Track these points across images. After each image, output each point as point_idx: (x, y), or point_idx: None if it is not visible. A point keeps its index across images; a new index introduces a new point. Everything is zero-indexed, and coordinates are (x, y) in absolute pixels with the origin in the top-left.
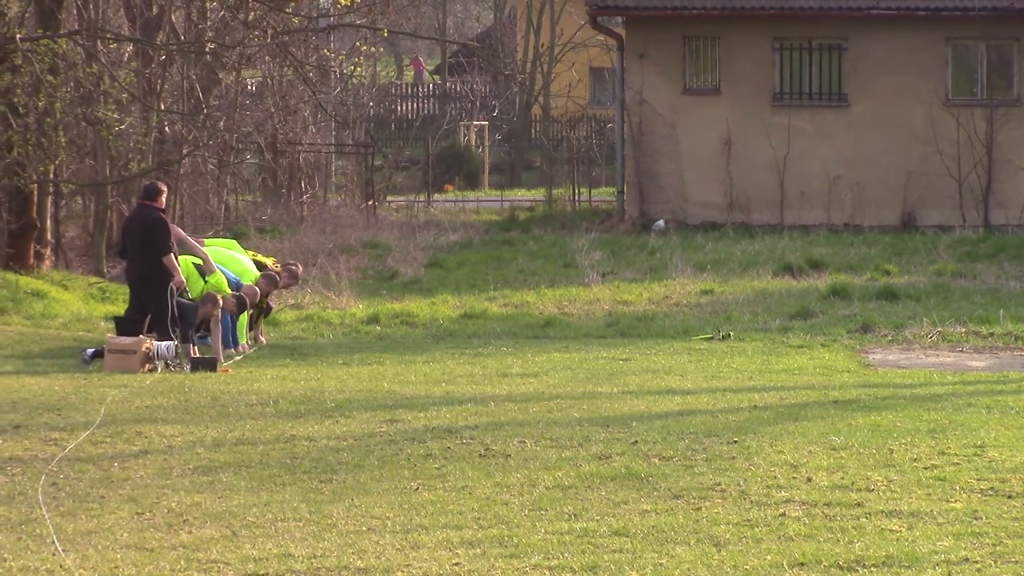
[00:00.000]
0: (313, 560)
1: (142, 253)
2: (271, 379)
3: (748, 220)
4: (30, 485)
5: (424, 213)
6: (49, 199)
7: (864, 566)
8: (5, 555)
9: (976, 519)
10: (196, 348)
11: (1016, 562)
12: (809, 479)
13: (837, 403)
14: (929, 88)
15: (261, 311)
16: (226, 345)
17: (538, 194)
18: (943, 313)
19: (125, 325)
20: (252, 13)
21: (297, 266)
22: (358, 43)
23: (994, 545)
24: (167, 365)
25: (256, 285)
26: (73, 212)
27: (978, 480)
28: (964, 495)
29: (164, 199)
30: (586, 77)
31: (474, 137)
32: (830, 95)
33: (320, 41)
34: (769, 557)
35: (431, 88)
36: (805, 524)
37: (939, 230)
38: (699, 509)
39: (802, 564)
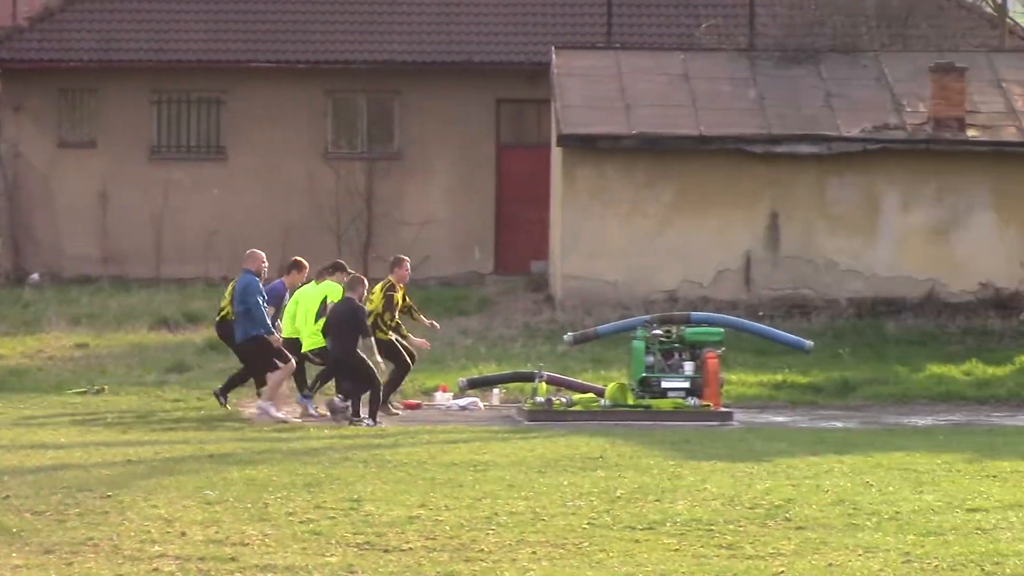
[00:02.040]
0: None
1: None
2: None
3: (124, 273)
4: None
5: None
6: None
7: None
8: None
9: (352, 573)
10: None
11: None
12: (183, 533)
13: (213, 457)
14: (309, 141)
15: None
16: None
17: None
18: None
19: None
20: None
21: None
22: None
23: None
24: None
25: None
26: None
27: (354, 534)
28: (340, 549)
29: None
30: None
31: None
32: (208, 148)
33: None
34: None
35: None
36: None
37: None
38: (71, 564)
39: None
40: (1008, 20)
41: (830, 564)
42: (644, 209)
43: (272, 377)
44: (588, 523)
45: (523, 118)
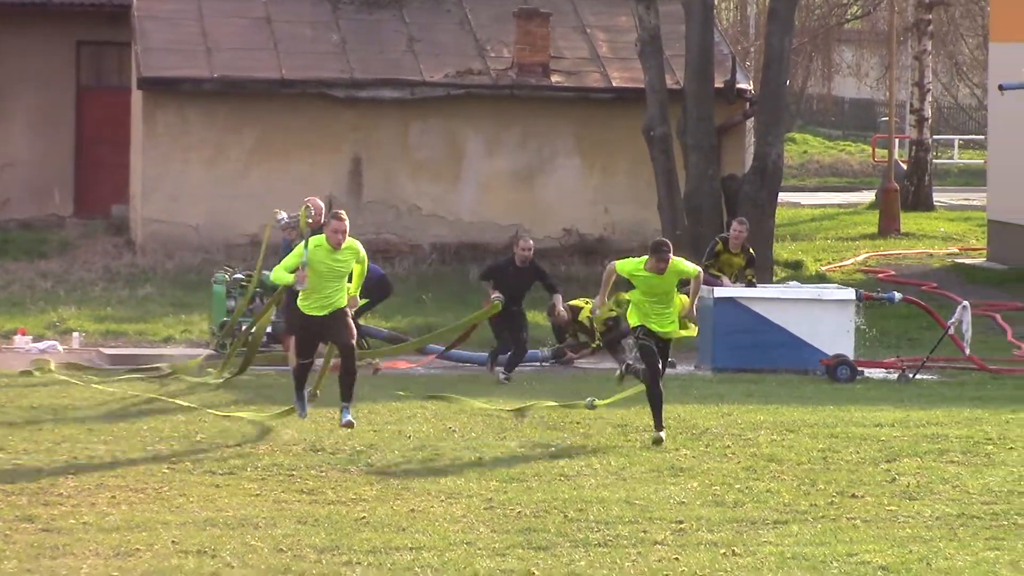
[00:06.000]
0: None
1: None
2: None
3: None
4: None
5: None
6: None
7: None
8: None
9: None
10: None
11: None
12: None
13: None
14: None
15: None
16: None
17: None
18: None
19: None
20: None
21: None
22: None
23: None
24: None
25: None
26: None
27: None
28: None
29: None
30: None
31: None
32: None
33: None
34: None
35: None
36: None
37: None
38: None
39: None
40: None
41: (412, 509)
42: (227, 153)
43: None
44: (168, 467)
45: (104, 60)
